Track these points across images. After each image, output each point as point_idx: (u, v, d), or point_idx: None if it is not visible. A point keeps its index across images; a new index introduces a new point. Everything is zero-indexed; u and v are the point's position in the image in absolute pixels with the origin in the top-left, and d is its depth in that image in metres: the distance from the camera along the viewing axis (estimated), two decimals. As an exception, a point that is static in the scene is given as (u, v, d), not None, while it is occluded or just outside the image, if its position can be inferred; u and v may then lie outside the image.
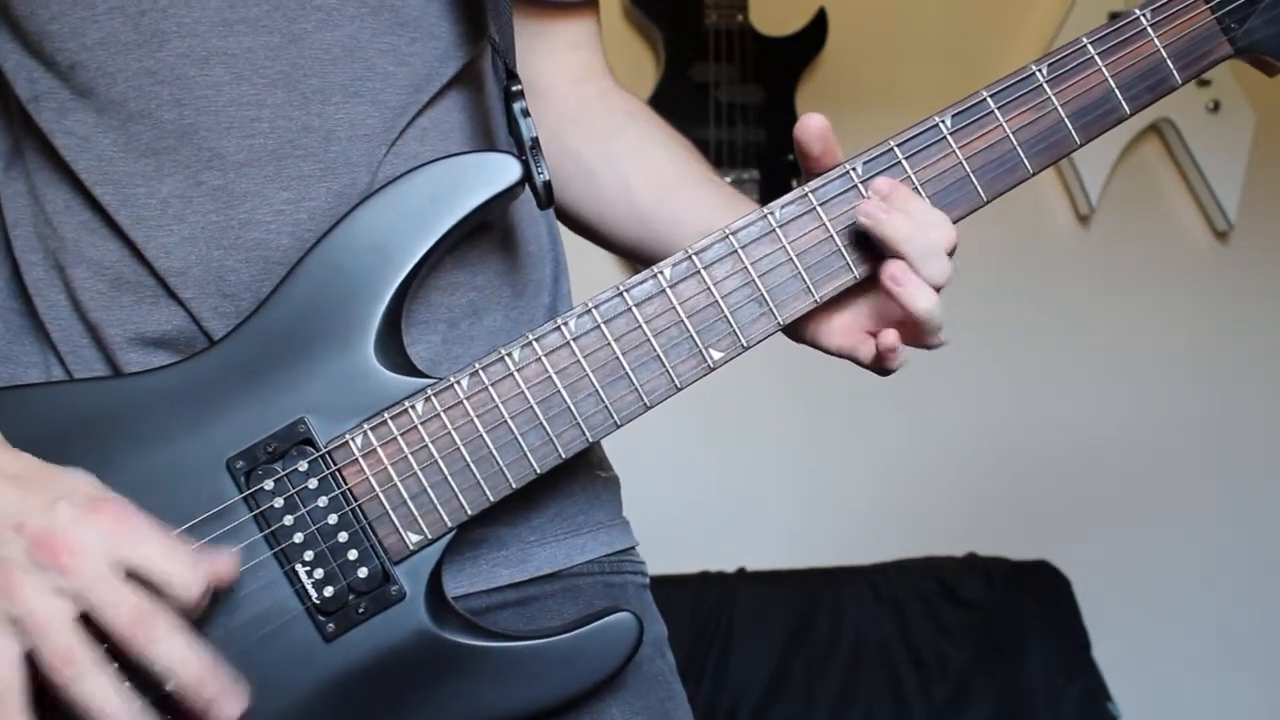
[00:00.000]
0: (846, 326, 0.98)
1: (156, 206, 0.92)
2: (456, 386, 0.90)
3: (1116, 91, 0.97)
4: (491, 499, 0.91)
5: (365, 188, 0.93)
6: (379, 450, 0.90)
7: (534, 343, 0.91)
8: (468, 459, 0.90)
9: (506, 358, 0.91)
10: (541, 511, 1.02)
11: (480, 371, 0.91)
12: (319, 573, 0.89)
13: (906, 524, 2.99)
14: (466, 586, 0.96)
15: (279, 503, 0.89)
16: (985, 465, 3.07)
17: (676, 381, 0.93)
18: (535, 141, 0.95)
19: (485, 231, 1.00)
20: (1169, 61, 0.98)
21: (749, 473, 2.99)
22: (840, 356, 1.00)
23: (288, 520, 0.89)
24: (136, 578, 0.80)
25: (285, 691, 0.88)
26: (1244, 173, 3.09)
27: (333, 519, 0.89)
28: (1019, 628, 2.80)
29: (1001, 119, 0.96)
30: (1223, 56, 1.00)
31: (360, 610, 0.89)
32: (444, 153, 0.94)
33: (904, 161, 0.94)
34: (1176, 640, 3.11)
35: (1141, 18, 0.98)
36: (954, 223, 0.95)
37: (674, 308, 0.92)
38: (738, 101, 2.90)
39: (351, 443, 0.90)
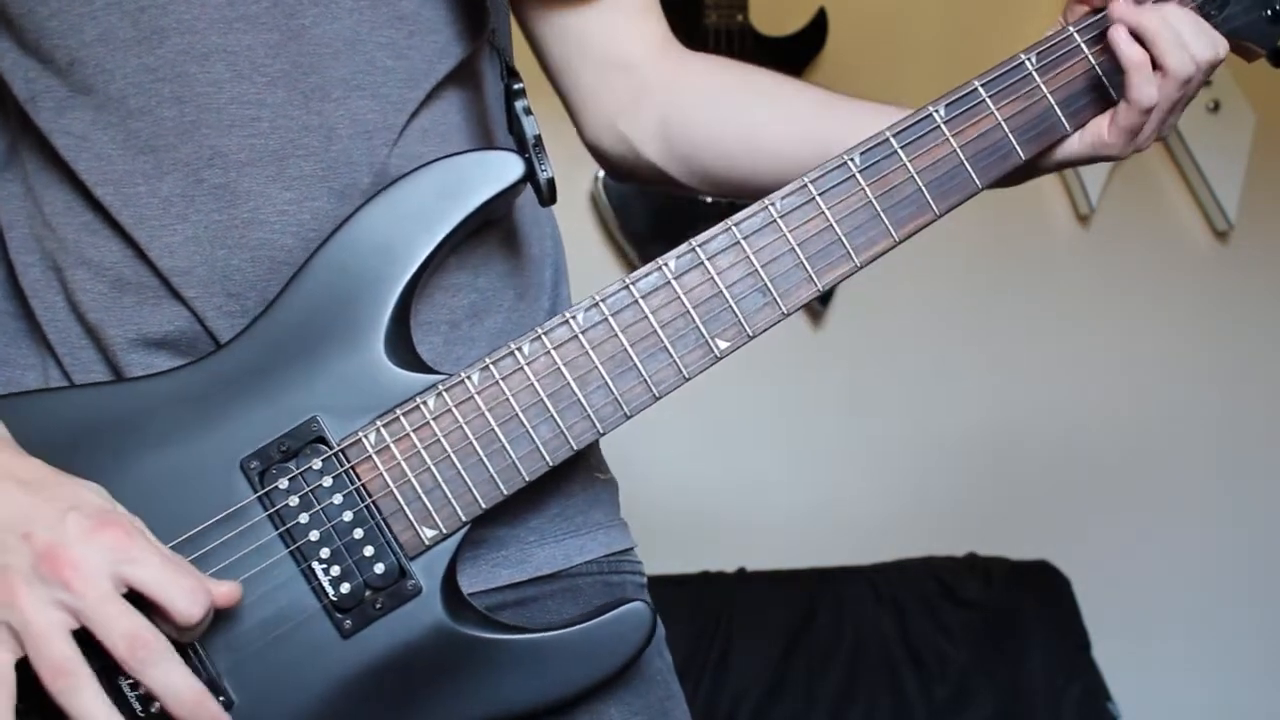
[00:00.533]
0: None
1: (158, 206, 0.92)
2: (467, 381, 0.91)
3: (1104, 79, 1.00)
4: (505, 492, 0.91)
5: (368, 188, 0.93)
6: (392, 446, 0.90)
7: (543, 336, 0.92)
8: (480, 453, 0.91)
9: (516, 352, 0.91)
10: (541, 512, 1.02)
11: (491, 366, 0.91)
12: (335, 570, 0.89)
13: (906, 524, 2.98)
14: (466, 586, 0.96)
15: (294, 501, 0.89)
16: (985, 465, 3.07)
17: (684, 372, 0.93)
18: (538, 139, 0.95)
19: (488, 233, 1.01)
20: None
21: (749, 473, 2.99)
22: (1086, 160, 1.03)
23: (303, 518, 0.89)
24: (139, 596, 0.80)
25: (303, 688, 0.89)
26: (1244, 173, 3.09)
27: (348, 516, 0.90)
28: (1019, 628, 2.79)
29: (993, 107, 0.97)
30: None
31: (377, 606, 0.90)
32: (445, 153, 0.94)
33: (899, 151, 0.96)
34: (1176, 640, 3.11)
35: None
36: (950, 210, 0.97)
37: (680, 298, 0.93)
38: (738, 101, 2.89)
39: (364, 440, 0.90)
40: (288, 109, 0.92)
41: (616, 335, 0.92)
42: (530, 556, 1.01)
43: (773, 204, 0.94)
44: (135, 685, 0.83)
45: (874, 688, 2.71)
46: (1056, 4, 1.04)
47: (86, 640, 0.79)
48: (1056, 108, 0.99)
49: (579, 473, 1.05)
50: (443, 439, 0.90)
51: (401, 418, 0.90)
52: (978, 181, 0.97)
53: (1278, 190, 3.18)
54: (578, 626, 0.92)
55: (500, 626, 0.92)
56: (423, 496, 0.90)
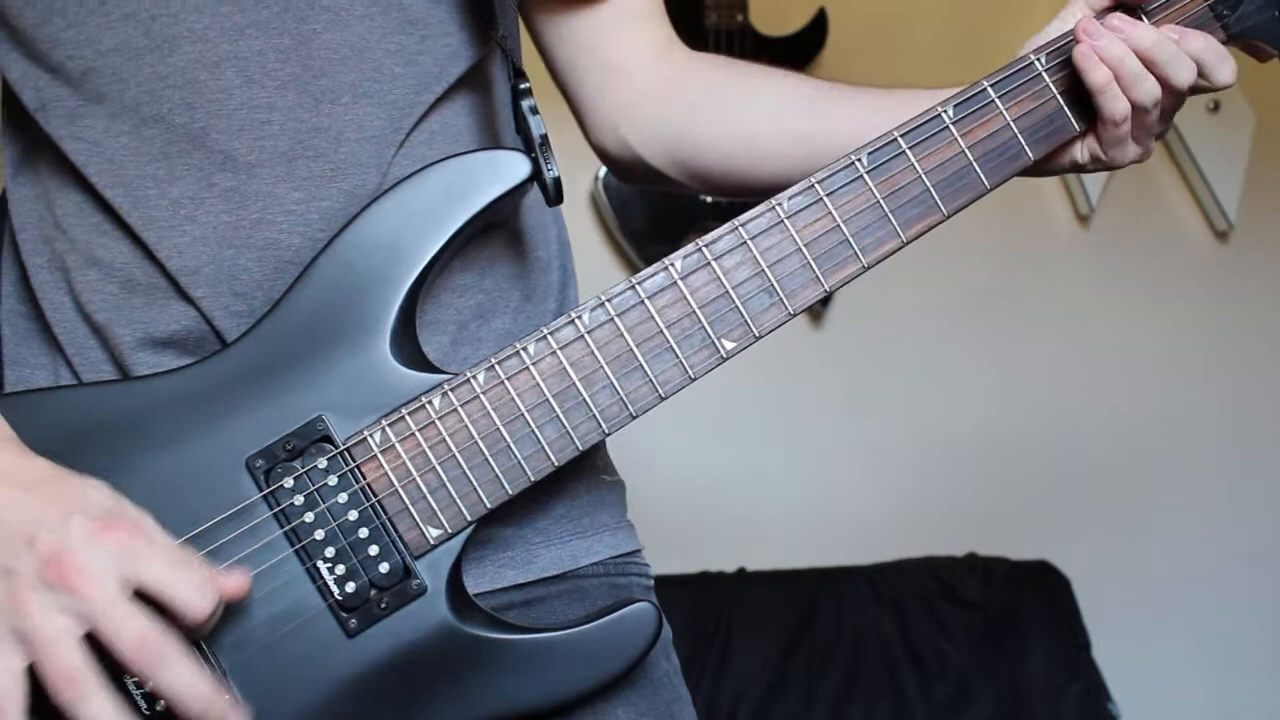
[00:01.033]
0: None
1: (168, 208, 0.92)
2: (473, 381, 0.91)
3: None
4: (511, 492, 0.91)
5: (375, 188, 0.94)
6: (397, 446, 0.90)
7: (549, 336, 0.91)
8: (486, 453, 0.91)
9: (522, 352, 0.91)
10: (547, 514, 1.02)
11: (496, 366, 0.91)
12: (340, 569, 0.89)
13: (906, 524, 2.98)
14: (472, 587, 0.96)
15: (299, 500, 0.89)
16: (985, 465, 3.07)
17: (690, 372, 0.93)
18: (544, 139, 0.95)
19: (495, 235, 1.01)
20: None
21: (749, 472, 2.99)
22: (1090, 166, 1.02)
23: (308, 517, 0.89)
24: (146, 595, 0.79)
25: (308, 688, 0.89)
26: (1244, 173, 3.09)
27: (353, 515, 0.89)
28: (1019, 628, 2.79)
29: (1002, 107, 0.97)
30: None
31: (382, 605, 0.89)
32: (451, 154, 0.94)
33: (907, 151, 0.95)
34: (1176, 640, 3.11)
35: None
36: (958, 210, 0.96)
37: (686, 298, 0.93)
38: (738, 101, 2.89)
39: (370, 439, 0.90)
40: (298, 111, 0.93)
41: (622, 335, 0.92)
42: (536, 557, 1.01)
43: (780, 204, 0.94)
44: (141, 683, 0.83)
45: (874, 687, 2.71)
46: (1057, 4, 1.03)
47: (94, 641, 0.79)
48: (1066, 109, 0.98)
49: (585, 474, 1.05)
50: (448, 438, 0.90)
51: (407, 417, 0.90)
52: (986, 182, 0.97)
53: (1278, 190, 3.18)
54: (583, 627, 0.92)
55: (505, 626, 0.92)
56: (428, 496, 0.90)
